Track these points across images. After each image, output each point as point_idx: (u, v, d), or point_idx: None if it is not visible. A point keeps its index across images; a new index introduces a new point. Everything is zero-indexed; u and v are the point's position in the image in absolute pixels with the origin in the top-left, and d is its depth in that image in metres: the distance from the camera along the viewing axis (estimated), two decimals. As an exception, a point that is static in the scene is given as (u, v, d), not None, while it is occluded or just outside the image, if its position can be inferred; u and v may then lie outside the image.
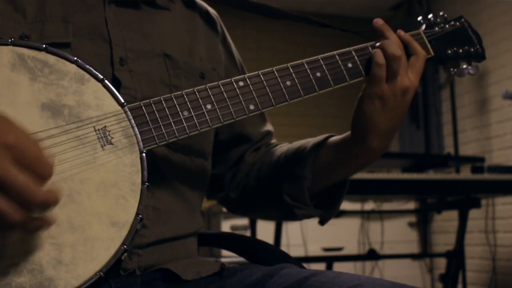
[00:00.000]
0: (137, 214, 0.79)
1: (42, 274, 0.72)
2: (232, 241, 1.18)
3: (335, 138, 1.05)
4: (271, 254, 1.10)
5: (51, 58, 0.80)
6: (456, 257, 3.28)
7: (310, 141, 1.06)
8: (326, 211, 1.08)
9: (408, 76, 0.96)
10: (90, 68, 0.81)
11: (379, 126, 0.97)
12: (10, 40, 0.78)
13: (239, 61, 1.17)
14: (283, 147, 1.11)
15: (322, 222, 1.10)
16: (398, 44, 0.97)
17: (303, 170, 1.03)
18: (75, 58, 0.81)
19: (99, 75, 0.82)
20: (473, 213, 3.63)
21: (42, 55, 0.79)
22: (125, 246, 0.77)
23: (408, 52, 0.98)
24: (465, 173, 3.13)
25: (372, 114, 0.96)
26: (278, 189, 1.06)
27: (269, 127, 1.18)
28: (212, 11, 1.14)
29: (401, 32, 1.00)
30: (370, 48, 0.99)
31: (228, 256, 3.21)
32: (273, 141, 1.18)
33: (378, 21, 1.00)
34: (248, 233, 3.55)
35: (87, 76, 0.81)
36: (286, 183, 1.05)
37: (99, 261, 0.76)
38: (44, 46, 0.80)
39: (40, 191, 0.66)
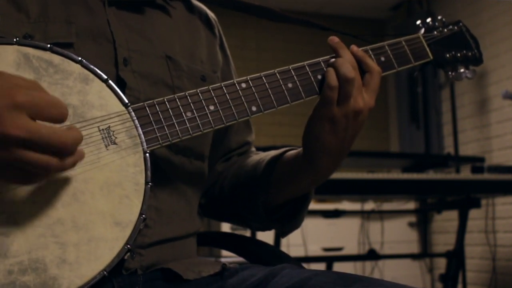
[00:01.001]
0: (140, 214, 0.79)
1: (46, 273, 0.72)
2: (232, 241, 1.18)
3: (291, 152, 1.03)
4: (271, 254, 1.11)
5: (56, 58, 0.80)
6: (456, 257, 3.28)
7: (269, 154, 1.06)
8: (285, 224, 1.06)
9: (362, 96, 0.93)
10: (95, 68, 0.82)
11: (328, 147, 0.94)
12: (15, 40, 0.78)
13: (233, 68, 1.17)
14: (249, 159, 1.10)
15: (282, 235, 1.08)
16: (352, 62, 0.93)
17: (257, 186, 1.03)
18: (80, 58, 0.81)
19: (103, 75, 0.82)
20: (473, 213, 3.63)
21: (47, 55, 0.79)
22: (128, 246, 0.77)
23: (362, 69, 0.95)
24: (465, 173, 3.13)
25: (321, 135, 0.93)
26: (236, 202, 1.07)
27: (249, 137, 1.18)
28: (211, 14, 1.15)
29: (354, 48, 0.96)
30: (322, 64, 0.96)
31: (228, 256, 3.21)
32: (253, 149, 1.19)
33: (333, 39, 0.96)
34: (248, 233, 3.55)
35: (91, 76, 0.81)
36: (242, 197, 1.06)
37: (102, 261, 0.76)
38: (49, 46, 0.80)
39: (65, 133, 0.69)
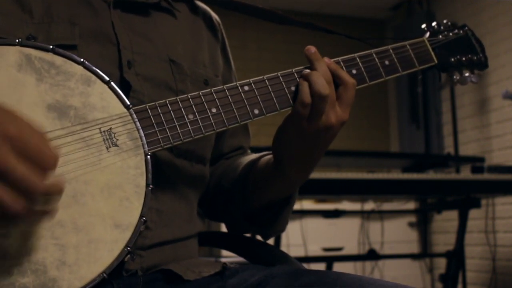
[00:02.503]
0: (141, 216, 0.79)
1: (45, 275, 0.72)
2: (232, 241, 1.18)
3: (266, 158, 1.02)
4: (271, 254, 1.10)
5: (58, 59, 0.80)
6: (456, 257, 3.28)
7: (246, 159, 1.06)
8: (266, 228, 1.05)
9: (334, 111, 0.90)
10: (97, 70, 0.81)
11: (297, 158, 0.94)
12: (17, 41, 0.78)
13: (234, 71, 1.17)
14: (234, 162, 1.10)
15: (264, 238, 1.08)
16: (327, 76, 0.90)
17: (234, 190, 1.03)
18: (82, 60, 0.81)
19: (105, 77, 0.82)
20: (473, 213, 3.63)
21: (49, 56, 0.79)
22: (128, 248, 0.77)
23: (336, 81, 0.92)
24: (465, 173, 3.14)
25: (290, 147, 0.93)
26: (218, 204, 1.08)
27: (245, 142, 1.18)
28: (215, 17, 1.15)
29: (326, 60, 0.93)
30: (295, 75, 0.93)
31: (228, 256, 3.21)
32: (248, 152, 1.19)
33: (310, 49, 0.92)
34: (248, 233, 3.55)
35: (93, 77, 0.81)
36: (222, 200, 1.07)
37: (102, 263, 0.76)
38: (51, 47, 0.79)
39: (40, 181, 0.65)
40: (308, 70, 0.93)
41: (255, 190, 1.02)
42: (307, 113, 0.89)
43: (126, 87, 0.89)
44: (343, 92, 0.92)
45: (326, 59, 0.93)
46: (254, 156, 1.06)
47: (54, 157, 0.68)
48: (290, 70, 0.94)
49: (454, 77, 1.10)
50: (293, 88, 0.93)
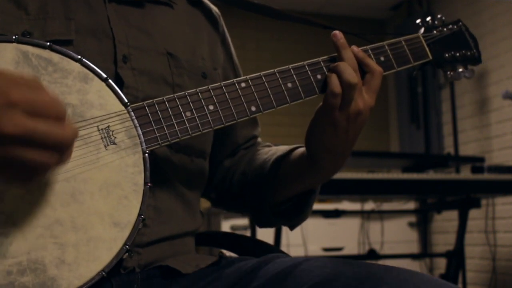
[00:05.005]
0: (139, 214, 0.79)
1: (45, 274, 0.72)
2: (232, 241, 1.18)
3: (297, 151, 1.03)
4: (271, 254, 1.11)
5: (55, 56, 0.79)
6: (456, 257, 3.28)
7: (276, 152, 1.06)
8: (292, 219, 1.07)
9: (363, 97, 0.93)
10: (94, 67, 0.81)
11: (331, 149, 0.95)
12: (14, 38, 0.78)
13: (237, 63, 1.17)
14: (257, 155, 1.11)
15: (290, 228, 1.10)
16: (353, 65, 0.93)
17: (264, 185, 1.03)
18: (79, 57, 0.80)
19: (103, 74, 0.81)
20: (473, 213, 3.63)
21: (46, 53, 0.79)
22: (127, 246, 0.77)
23: (363, 69, 0.95)
24: (465, 173, 3.14)
25: (323, 138, 0.94)
26: (245, 198, 1.08)
27: (256, 131, 1.18)
28: (215, 9, 1.14)
29: (354, 48, 0.96)
30: (322, 63, 0.96)
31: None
32: (259, 140, 1.19)
33: (337, 35, 0.95)
34: (248, 233, 3.55)
35: (91, 75, 0.81)
36: (250, 194, 1.07)
37: (101, 261, 0.76)
38: (48, 43, 0.79)
39: (63, 129, 0.68)
40: (335, 63, 0.94)
41: (286, 184, 1.02)
42: (339, 102, 0.91)
43: (120, 82, 0.89)
44: (370, 79, 0.95)
45: (354, 47, 0.96)
46: (282, 149, 1.06)
47: (62, 104, 0.69)
48: (287, 66, 0.94)
49: (448, 72, 1.10)
50: (289, 85, 0.93)
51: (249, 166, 1.09)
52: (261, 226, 1.11)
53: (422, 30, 1.09)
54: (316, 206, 4.37)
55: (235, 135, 1.13)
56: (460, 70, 1.10)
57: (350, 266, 0.81)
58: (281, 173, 1.03)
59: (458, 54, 1.09)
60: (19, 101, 0.65)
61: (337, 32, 0.95)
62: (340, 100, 0.91)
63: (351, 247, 4.51)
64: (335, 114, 0.92)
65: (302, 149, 1.02)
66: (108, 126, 0.80)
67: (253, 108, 0.91)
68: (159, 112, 0.84)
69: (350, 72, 0.91)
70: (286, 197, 1.04)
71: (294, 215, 1.06)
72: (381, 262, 4.41)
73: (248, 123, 1.15)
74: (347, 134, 0.94)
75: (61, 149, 0.68)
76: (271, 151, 1.09)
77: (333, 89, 0.91)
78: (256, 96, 0.91)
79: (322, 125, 0.94)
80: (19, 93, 0.66)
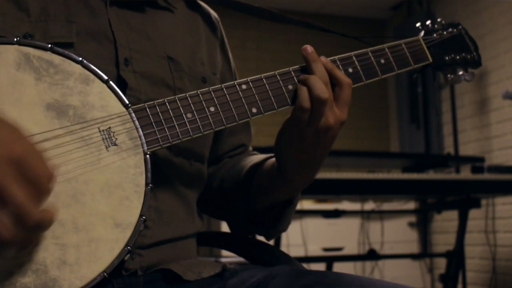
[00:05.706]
0: (140, 215, 0.79)
1: (46, 275, 0.72)
2: (232, 241, 1.18)
3: (270, 161, 1.02)
4: (271, 254, 1.10)
5: (57, 58, 0.80)
6: (456, 257, 3.28)
7: (253, 160, 1.05)
8: (268, 229, 1.05)
9: (333, 112, 0.90)
10: (95, 68, 0.81)
11: (299, 163, 0.93)
12: (16, 40, 0.78)
13: (234, 69, 1.17)
14: (238, 163, 1.10)
15: (266, 238, 1.09)
16: (324, 78, 0.90)
17: (238, 192, 1.03)
18: (80, 59, 0.81)
19: (104, 76, 0.82)
20: (473, 213, 3.63)
21: (47, 55, 0.79)
22: (129, 247, 0.77)
23: (332, 81, 0.91)
24: (465, 173, 3.13)
25: (290, 151, 0.93)
26: (222, 204, 1.08)
27: (246, 139, 1.17)
28: (214, 14, 1.14)
29: (322, 59, 0.92)
30: (293, 73, 0.93)
31: (228, 256, 3.21)
32: (250, 149, 1.18)
33: (307, 49, 0.92)
34: (250, 234, 3.54)
35: (92, 76, 0.81)
36: (226, 201, 1.07)
37: (103, 262, 0.76)
38: (49, 46, 0.79)
39: (36, 211, 0.65)
40: (305, 75, 0.92)
41: (259, 193, 1.02)
42: (307, 117, 0.89)
43: (122, 85, 0.89)
44: (339, 92, 0.91)
45: (322, 58, 0.93)
46: (258, 158, 1.05)
47: (52, 178, 0.68)
48: (287, 69, 0.94)
49: (448, 75, 1.11)
50: (290, 87, 0.93)
51: (228, 173, 1.09)
52: (237, 234, 1.10)
53: (422, 33, 1.09)
54: (316, 206, 4.36)
55: (221, 142, 1.12)
56: (460, 73, 1.11)
57: (360, 283, 0.80)
58: (255, 181, 1.02)
59: (458, 57, 1.10)
60: (18, 157, 0.65)
61: (307, 46, 0.92)
62: (309, 115, 0.89)
63: (351, 247, 4.51)
64: (303, 128, 0.89)
65: (274, 159, 1.01)
66: (109, 128, 0.80)
67: (254, 110, 0.91)
68: (160, 114, 0.84)
69: (320, 86, 0.88)
70: (262, 205, 1.03)
71: (271, 226, 1.05)
72: (381, 262, 4.42)
73: (238, 130, 1.14)
74: (315, 149, 0.92)
75: (23, 227, 0.64)
76: (250, 158, 1.08)
77: (302, 104, 0.88)
78: (257, 98, 0.91)
79: (289, 138, 0.92)
80: (23, 150, 0.65)
